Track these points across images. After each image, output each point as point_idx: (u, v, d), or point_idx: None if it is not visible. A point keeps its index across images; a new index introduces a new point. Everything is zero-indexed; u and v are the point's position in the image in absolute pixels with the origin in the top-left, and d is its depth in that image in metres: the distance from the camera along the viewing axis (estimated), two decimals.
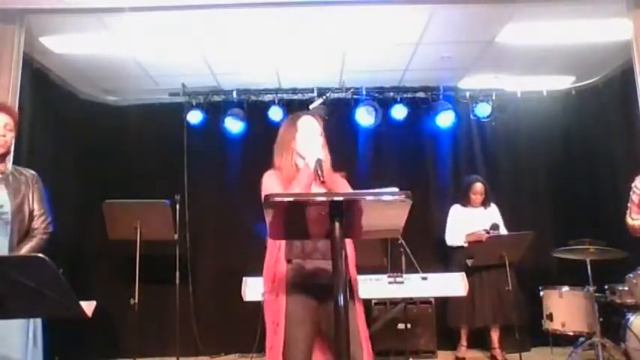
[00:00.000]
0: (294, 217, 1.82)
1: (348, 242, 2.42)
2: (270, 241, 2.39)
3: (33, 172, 2.74)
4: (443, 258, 5.15)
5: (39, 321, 2.55)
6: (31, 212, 2.61)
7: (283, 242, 2.35)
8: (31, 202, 2.61)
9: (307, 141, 2.41)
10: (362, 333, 2.31)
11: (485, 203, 5.02)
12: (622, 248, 4.07)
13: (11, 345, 2.39)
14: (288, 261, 2.34)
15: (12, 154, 2.82)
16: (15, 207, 2.54)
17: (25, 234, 2.59)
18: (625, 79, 4.65)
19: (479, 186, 4.99)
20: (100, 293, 4.53)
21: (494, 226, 4.79)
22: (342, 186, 2.49)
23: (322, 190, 2.36)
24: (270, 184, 2.40)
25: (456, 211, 5.06)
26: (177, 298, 4.66)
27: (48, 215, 2.68)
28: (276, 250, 2.37)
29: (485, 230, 4.78)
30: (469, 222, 4.93)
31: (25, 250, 2.53)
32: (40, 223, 2.64)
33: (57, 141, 4.89)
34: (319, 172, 2.27)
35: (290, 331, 2.25)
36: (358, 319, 2.33)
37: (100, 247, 5.01)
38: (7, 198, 2.54)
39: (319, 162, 2.29)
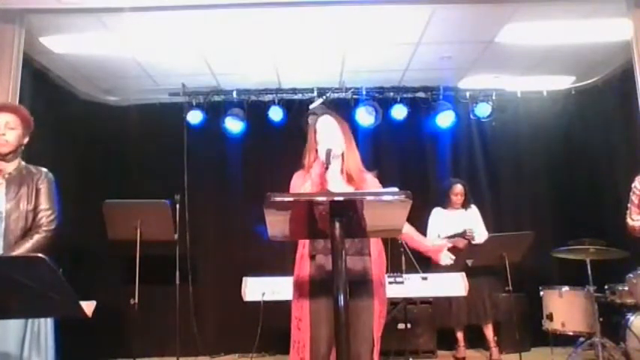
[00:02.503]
0: (297, 216, 1.82)
1: (375, 242, 2.46)
2: None
3: (43, 169, 2.69)
4: None
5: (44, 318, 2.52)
6: (31, 210, 2.56)
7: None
8: (31, 200, 2.56)
9: (324, 138, 2.50)
10: (375, 333, 2.34)
11: (465, 205, 5.08)
12: (622, 248, 4.07)
13: (6, 339, 2.37)
14: (312, 257, 2.39)
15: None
16: (10, 205, 2.52)
17: (25, 232, 2.54)
18: (625, 79, 4.64)
19: (459, 187, 5.06)
20: (99, 293, 4.51)
21: (463, 233, 4.82)
22: (372, 185, 2.53)
23: (350, 189, 2.41)
24: (295, 182, 2.51)
25: (436, 214, 5.09)
26: (177, 298, 4.64)
27: (54, 210, 2.61)
28: (301, 247, 2.44)
29: (457, 235, 4.82)
30: (450, 224, 4.97)
31: (20, 250, 2.47)
32: (44, 219, 2.58)
33: (57, 141, 4.87)
34: (324, 161, 2.33)
35: (312, 329, 2.31)
36: (374, 320, 2.35)
37: (100, 247, 5.00)
38: (3, 196, 2.52)
39: (328, 152, 2.35)
